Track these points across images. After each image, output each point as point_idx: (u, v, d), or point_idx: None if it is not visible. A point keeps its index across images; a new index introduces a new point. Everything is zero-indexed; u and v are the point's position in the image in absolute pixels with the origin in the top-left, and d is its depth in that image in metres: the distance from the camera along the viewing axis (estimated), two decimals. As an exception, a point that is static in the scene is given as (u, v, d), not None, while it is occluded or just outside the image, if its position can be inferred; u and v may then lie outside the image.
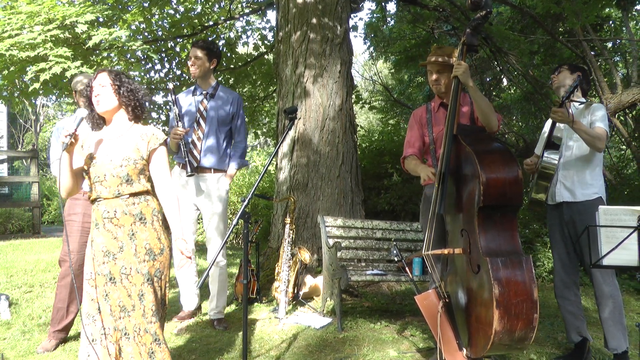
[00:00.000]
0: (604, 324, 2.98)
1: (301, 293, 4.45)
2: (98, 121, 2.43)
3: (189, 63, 3.74)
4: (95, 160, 2.32)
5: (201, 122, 3.73)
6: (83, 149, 2.37)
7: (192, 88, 3.91)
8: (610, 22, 9.02)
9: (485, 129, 2.87)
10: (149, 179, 2.41)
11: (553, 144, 3.19)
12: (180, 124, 3.68)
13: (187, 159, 3.57)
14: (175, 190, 2.46)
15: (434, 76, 3.03)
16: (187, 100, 3.83)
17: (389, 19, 10.51)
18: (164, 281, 2.37)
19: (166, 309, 2.44)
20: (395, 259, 4.12)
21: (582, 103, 3.18)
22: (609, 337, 2.96)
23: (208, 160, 3.70)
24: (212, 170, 3.72)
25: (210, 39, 8.26)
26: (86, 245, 3.21)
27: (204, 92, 3.79)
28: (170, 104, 3.82)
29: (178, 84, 7.67)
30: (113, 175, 2.29)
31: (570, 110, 3.24)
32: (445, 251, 2.67)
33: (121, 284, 2.26)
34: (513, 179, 2.46)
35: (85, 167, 2.35)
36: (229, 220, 3.89)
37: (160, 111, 8.00)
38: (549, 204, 3.24)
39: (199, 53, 3.71)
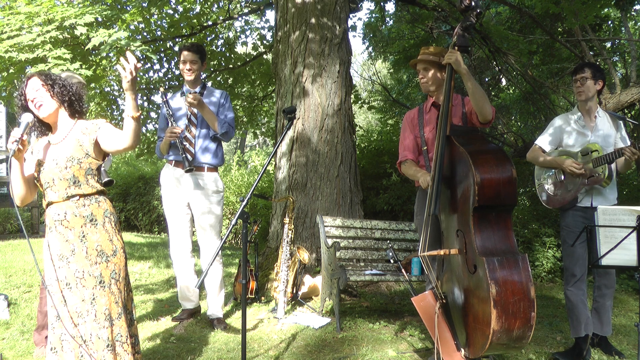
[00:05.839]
0: (607, 312, 3.21)
1: (300, 293, 4.45)
2: (42, 127, 2.36)
3: (184, 67, 3.76)
4: (43, 166, 2.29)
5: (193, 119, 3.78)
6: (33, 154, 2.33)
7: (180, 90, 3.94)
8: (609, 22, 9.01)
9: (477, 128, 2.87)
10: (99, 180, 2.37)
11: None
12: (175, 123, 3.74)
13: (184, 155, 3.62)
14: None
15: (420, 74, 3.06)
16: (178, 102, 3.87)
17: (387, 18, 10.53)
18: (122, 283, 2.33)
19: (132, 313, 2.41)
20: (391, 261, 4.13)
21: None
22: (606, 322, 3.23)
23: (202, 158, 3.74)
24: (206, 168, 3.75)
25: (209, 38, 8.27)
26: None
27: (192, 92, 3.80)
28: (162, 104, 3.84)
29: (177, 84, 7.68)
30: (60, 178, 2.26)
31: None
32: (441, 252, 2.67)
33: (76, 289, 2.23)
34: (507, 178, 2.46)
35: (36, 174, 2.31)
36: (228, 220, 3.89)
37: (160, 111, 8.00)
38: (578, 205, 3.20)
39: (194, 57, 3.75)
